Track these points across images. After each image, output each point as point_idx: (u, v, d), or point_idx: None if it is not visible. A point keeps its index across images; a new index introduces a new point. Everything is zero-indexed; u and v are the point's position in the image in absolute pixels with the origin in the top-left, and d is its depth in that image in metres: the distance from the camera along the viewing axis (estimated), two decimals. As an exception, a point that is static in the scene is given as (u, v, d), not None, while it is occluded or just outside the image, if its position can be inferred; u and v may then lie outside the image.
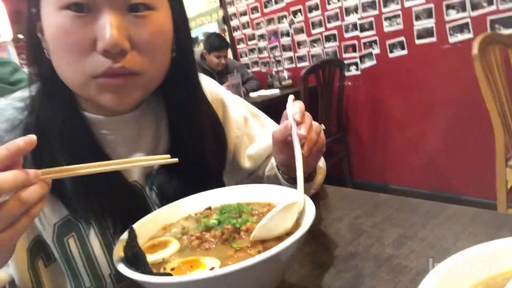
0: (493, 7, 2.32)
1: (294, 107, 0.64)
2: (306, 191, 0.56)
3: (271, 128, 0.90)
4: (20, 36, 5.29)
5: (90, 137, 0.67)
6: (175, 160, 0.56)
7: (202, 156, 0.74)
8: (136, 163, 0.59)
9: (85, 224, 0.66)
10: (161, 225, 0.60)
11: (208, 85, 0.86)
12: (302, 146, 0.61)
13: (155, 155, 0.57)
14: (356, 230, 0.64)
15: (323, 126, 0.68)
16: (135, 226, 0.54)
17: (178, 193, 0.68)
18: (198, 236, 0.53)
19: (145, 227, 0.57)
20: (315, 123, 0.66)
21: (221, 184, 0.79)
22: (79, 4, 0.55)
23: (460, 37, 2.50)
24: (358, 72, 3.15)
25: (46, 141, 0.62)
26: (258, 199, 0.64)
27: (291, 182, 0.73)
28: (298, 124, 0.62)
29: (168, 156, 0.56)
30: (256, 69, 4.13)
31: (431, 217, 0.63)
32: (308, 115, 0.65)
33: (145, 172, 0.73)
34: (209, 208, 0.62)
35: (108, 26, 0.55)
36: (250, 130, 0.89)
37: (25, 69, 1.51)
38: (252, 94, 3.49)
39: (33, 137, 0.42)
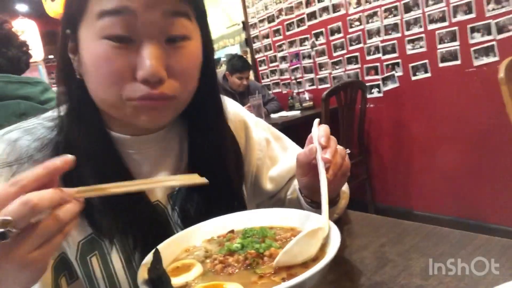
0: (519, 30, 2.29)
1: (319, 131, 0.64)
2: (329, 216, 0.55)
3: (294, 151, 0.89)
4: (51, 56, 5.52)
5: (116, 156, 0.69)
6: (205, 180, 0.56)
7: (222, 175, 0.74)
8: (165, 182, 0.60)
9: (108, 243, 0.66)
10: (183, 247, 0.60)
11: (231, 107, 0.87)
12: (327, 170, 0.61)
13: (183, 175, 0.57)
14: (382, 259, 0.62)
15: (348, 150, 0.68)
16: (159, 247, 0.54)
17: (200, 214, 0.69)
18: (221, 260, 0.53)
19: (168, 249, 0.57)
20: (340, 147, 0.65)
21: (243, 205, 0.79)
22: (121, 36, 0.57)
23: (485, 60, 2.46)
24: (381, 94, 3.13)
25: None
26: (281, 223, 0.63)
27: (313, 206, 0.72)
28: (323, 148, 0.62)
29: (197, 175, 0.56)
30: (277, 90, 4.16)
31: (459, 247, 0.61)
32: (333, 139, 0.65)
33: (167, 192, 0.74)
34: (232, 231, 0.62)
35: (148, 57, 0.57)
36: (272, 152, 0.89)
37: (55, 89, 1.56)
38: (273, 116, 3.51)
39: (70, 156, 0.44)
